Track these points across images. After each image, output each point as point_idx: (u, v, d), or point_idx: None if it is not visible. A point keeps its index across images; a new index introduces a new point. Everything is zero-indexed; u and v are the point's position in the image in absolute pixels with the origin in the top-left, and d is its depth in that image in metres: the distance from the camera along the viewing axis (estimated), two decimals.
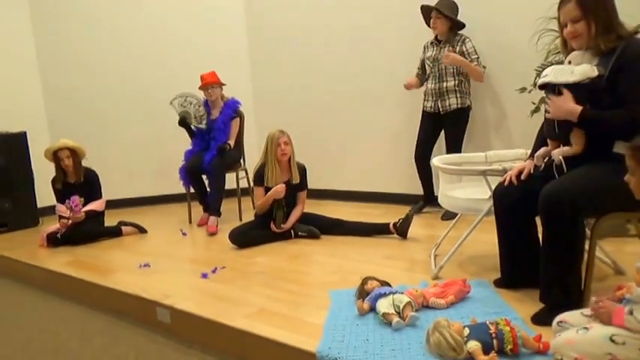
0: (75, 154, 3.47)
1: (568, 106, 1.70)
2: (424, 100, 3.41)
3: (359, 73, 4.07)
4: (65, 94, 4.51)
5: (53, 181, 3.54)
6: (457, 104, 3.26)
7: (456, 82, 3.25)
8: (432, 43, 3.32)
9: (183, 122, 3.71)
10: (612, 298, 1.41)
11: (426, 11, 3.26)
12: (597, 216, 1.73)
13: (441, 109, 3.30)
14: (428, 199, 3.46)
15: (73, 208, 3.35)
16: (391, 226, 2.99)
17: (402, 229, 2.95)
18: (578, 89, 1.69)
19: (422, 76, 3.47)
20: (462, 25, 3.24)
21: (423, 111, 3.43)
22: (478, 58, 3.21)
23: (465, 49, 3.20)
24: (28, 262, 3.09)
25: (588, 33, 1.72)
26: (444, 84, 3.25)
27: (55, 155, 3.45)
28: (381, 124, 3.95)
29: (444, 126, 3.35)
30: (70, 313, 2.51)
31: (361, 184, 4.22)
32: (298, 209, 3.19)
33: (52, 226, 3.49)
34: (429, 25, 3.30)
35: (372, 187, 4.15)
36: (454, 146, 3.28)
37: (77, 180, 3.50)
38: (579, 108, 1.67)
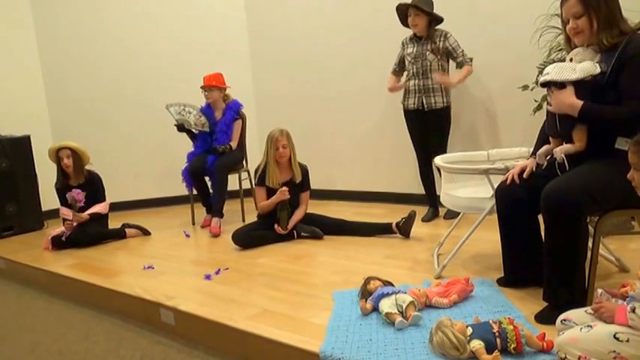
0: (76, 155, 3.47)
1: (570, 100, 1.69)
2: (405, 97, 3.33)
3: (359, 72, 4.07)
4: (68, 97, 4.53)
5: (56, 184, 3.55)
6: (443, 102, 3.21)
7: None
8: (411, 39, 3.27)
9: (182, 128, 3.72)
10: (617, 295, 1.41)
11: (402, 10, 3.20)
12: (600, 213, 1.72)
13: (425, 106, 3.24)
14: (436, 206, 3.38)
15: (75, 197, 3.35)
16: (394, 225, 2.99)
17: (404, 229, 2.95)
18: (580, 87, 1.69)
19: (399, 73, 3.42)
20: (441, 20, 3.20)
21: (406, 110, 3.36)
22: (463, 51, 3.17)
23: (448, 44, 3.15)
24: (33, 265, 3.11)
25: (590, 29, 1.71)
26: (429, 81, 3.20)
27: (57, 155, 3.47)
28: (383, 124, 3.95)
29: (429, 125, 3.28)
30: (74, 316, 2.53)
31: (363, 183, 4.22)
32: (301, 210, 3.20)
33: (56, 229, 3.51)
34: (404, 25, 3.24)
35: (374, 187, 4.14)
36: (440, 146, 3.21)
37: (77, 182, 3.50)
38: (580, 102, 1.67)
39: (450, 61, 3.26)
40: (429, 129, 3.29)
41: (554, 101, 1.75)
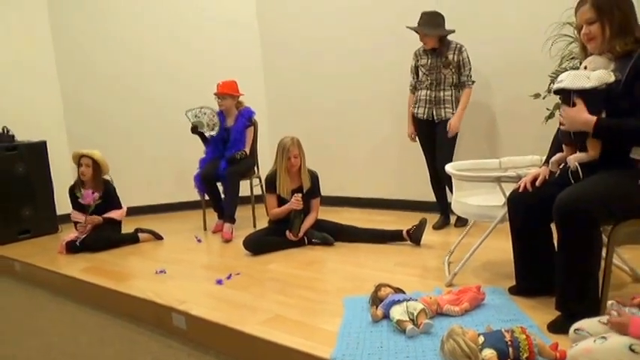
0: (96, 165, 3.52)
1: (582, 117, 1.68)
2: (416, 105, 3.34)
3: (370, 80, 4.09)
4: (83, 104, 4.61)
5: (72, 188, 3.61)
6: (452, 113, 3.22)
7: (453, 92, 3.23)
8: (424, 50, 3.28)
9: (195, 130, 3.77)
10: (629, 305, 1.39)
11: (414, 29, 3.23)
12: (614, 222, 1.71)
13: (435, 117, 3.25)
14: (447, 214, 3.35)
15: (83, 195, 3.39)
16: (404, 232, 2.98)
17: (415, 236, 2.94)
18: (594, 95, 1.68)
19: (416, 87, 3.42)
20: (451, 32, 3.20)
21: (415, 118, 3.36)
22: (470, 69, 3.20)
23: (461, 58, 3.17)
24: (47, 268, 3.16)
25: (603, 35, 1.71)
26: (441, 93, 3.22)
27: (78, 161, 3.54)
28: (394, 131, 3.95)
29: (437, 133, 3.26)
30: (88, 319, 2.56)
31: (374, 190, 4.22)
32: (312, 216, 3.20)
33: (71, 234, 3.55)
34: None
35: (385, 194, 4.14)
36: (447, 155, 3.17)
37: (94, 191, 3.51)
38: (594, 119, 1.66)
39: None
40: (437, 139, 3.28)
41: (566, 120, 1.74)
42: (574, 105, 1.71)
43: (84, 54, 4.55)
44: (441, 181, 3.33)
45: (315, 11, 4.36)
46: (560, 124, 1.81)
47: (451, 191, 3.23)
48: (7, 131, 4.13)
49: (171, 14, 4.60)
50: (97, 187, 3.53)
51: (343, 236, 3.14)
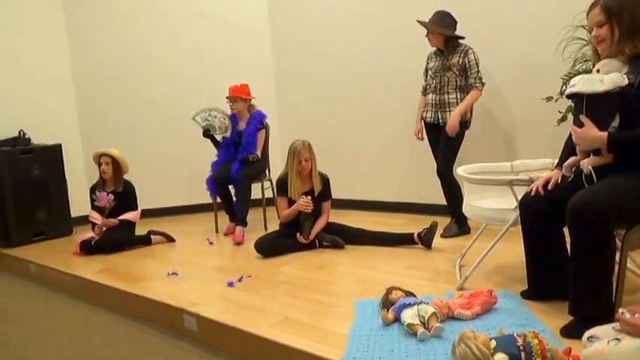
0: (116, 163, 3.60)
1: (593, 135, 1.68)
2: (424, 109, 3.35)
3: (380, 84, 4.10)
4: (97, 108, 4.68)
5: (93, 187, 3.67)
6: (459, 117, 3.17)
7: (458, 95, 3.19)
8: (435, 53, 3.28)
9: (206, 134, 3.81)
10: None
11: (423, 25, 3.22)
12: (628, 226, 1.69)
13: (440, 121, 3.23)
14: (459, 220, 3.23)
15: (98, 197, 3.46)
16: (415, 236, 2.98)
17: (426, 239, 2.94)
18: (608, 99, 1.66)
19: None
20: (458, 37, 3.17)
21: (424, 122, 3.37)
22: (478, 72, 3.14)
23: (467, 60, 3.12)
24: (61, 270, 3.20)
25: (612, 37, 1.71)
26: (445, 96, 3.20)
27: (98, 160, 3.61)
28: (403, 135, 3.95)
29: (441, 135, 3.24)
30: (101, 320, 2.59)
31: (384, 194, 4.22)
32: (323, 219, 3.21)
33: (86, 234, 3.60)
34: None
35: (395, 197, 4.14)
36: (446, 159, 3.15)
37: (115, 189, 3.61)
38: (604, 135, 1.65)
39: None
40: (440, 141, 3.25)
41: (578, 140, 1.74)
42: (582, 125, 1.70)
43: (99, 58, 4.63)
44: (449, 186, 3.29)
45: (326, 14, 4.38)
46: (574, 122, 1.79)
47: (448, 195, 3.23)
48: (24, 135, 4.21)
49: (183, 19, 4.65)
50: (118, 185, 3.61)
51: (353, 239, 3.15)
